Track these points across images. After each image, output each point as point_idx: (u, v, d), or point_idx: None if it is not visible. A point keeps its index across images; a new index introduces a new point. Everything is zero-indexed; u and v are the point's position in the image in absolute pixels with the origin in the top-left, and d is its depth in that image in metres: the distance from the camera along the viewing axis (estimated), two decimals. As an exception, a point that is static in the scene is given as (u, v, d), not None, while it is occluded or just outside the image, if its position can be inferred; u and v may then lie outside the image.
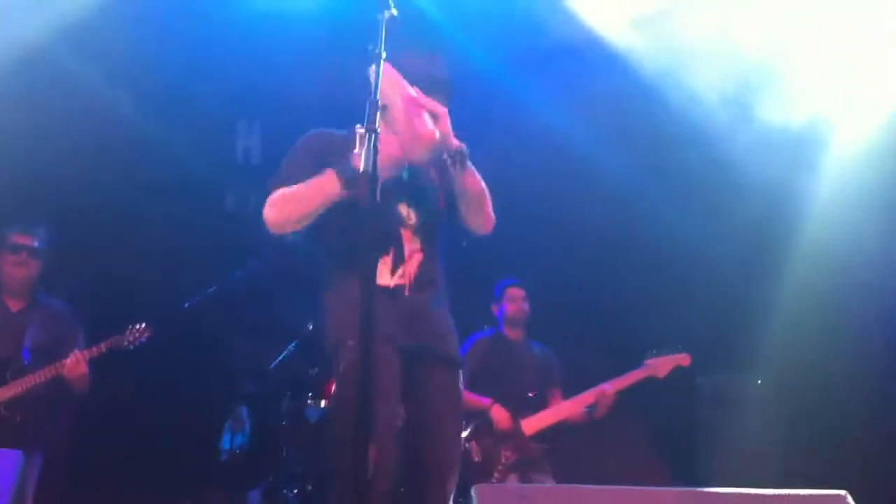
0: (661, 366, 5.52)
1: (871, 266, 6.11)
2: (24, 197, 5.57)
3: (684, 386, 6.71)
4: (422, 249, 3.55)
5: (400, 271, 3.52)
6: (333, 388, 3.42)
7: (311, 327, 6.00)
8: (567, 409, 5.51)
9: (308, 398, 5.87)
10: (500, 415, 5.39)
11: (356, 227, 3.38)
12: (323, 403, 5.83)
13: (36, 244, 4.97)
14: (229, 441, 6.04)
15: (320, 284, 3.55)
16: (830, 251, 6.14)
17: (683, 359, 5.57)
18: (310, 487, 5.72)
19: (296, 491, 5.76)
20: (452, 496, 3.50)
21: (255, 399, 6.19)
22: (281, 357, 5.99)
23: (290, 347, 6.06)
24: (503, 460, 5.35)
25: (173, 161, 6.30)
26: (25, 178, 5.64)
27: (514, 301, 5.75)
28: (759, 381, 6.54)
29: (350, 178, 3.21)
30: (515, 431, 5.38)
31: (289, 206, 3.37)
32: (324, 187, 3.31)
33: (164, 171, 6.28)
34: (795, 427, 6.26)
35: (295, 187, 3.36)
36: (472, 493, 3.15)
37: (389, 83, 3.61)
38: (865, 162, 5.99)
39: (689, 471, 6.13)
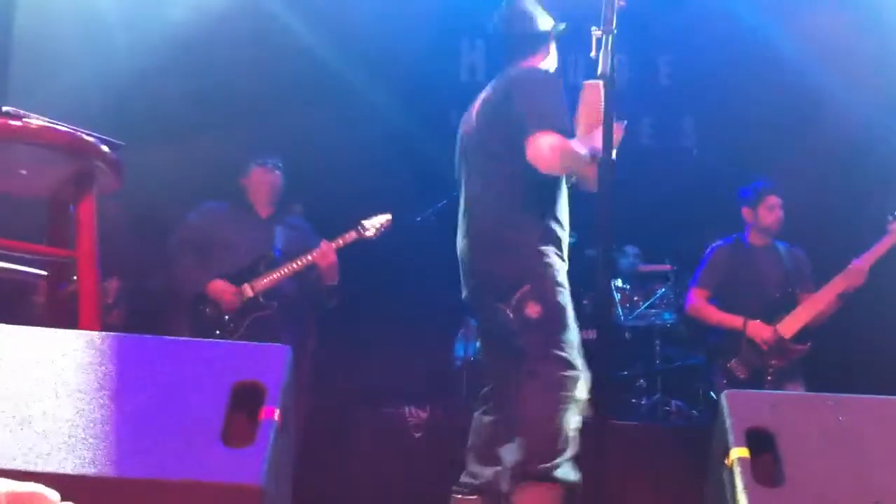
0: None
1: None
2: (258, 131, 5.94)
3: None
4: None
5: None
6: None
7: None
8: (820, 300, 5.21)
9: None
10: (756, 329, 5.20)
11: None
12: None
13: (277, 161, 5.51)
14: (463, 349, 6.20)
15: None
16: None
17: None
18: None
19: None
20: None
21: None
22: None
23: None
24: (771, 370, 5.18)
25: (400, 80, 6.45)
26: (256, 112, 6.02)
27: (773, 210, 5.45)
28: None
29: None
30: (776, 337, 5.18)
31: (568, 161, 3.69)
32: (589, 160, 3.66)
33: (392, 91, 6.44)
34: None
35: (575, 146, 3.66)
36: (722, 399, 3.08)
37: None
38: None
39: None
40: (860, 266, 5.14)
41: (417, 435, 5.26)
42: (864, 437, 2.85)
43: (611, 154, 3.64)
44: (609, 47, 3.56)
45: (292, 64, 6.26)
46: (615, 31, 3.55)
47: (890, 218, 5.15)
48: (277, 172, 5.46)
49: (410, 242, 5.55)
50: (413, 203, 5.98)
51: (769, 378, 5.16)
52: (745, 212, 5.50)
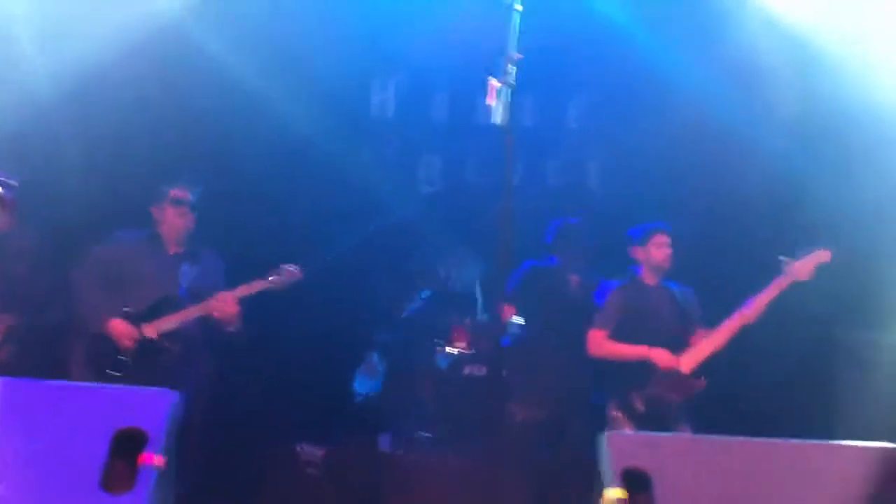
0: (801, 268, 5.29)
1: None
2: (174, 158, 5.93)
3: (822, 339, 6.58)
4: None
5: None
6: None
7: (443, 275, 6.15)
8: (719, 337, 5.35)
9: (438, 345, 6.02)
10: (661, 354, 5.32)
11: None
12: (455, 351, 5.97)
13: (193, 198, 5.38)
14: (363, 385, 6.23)
15: None
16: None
17: (824, 255, 5.31)
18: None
19: (428, 434, 5.92)
20: None
21: (387, 345, 6.35)
22: (413, 305, 6.14)
23: (422, 296, 6.19)
24: (671, 403, 5.30)
25: (312, 118, 6.50)
26: (174, 141, 6.02)
27: (662, 247, 5.56)
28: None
29: None
30: (676, 371, 5.32)
31: None
32: None
33: (304, 129, 6.48)
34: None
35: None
36: (602, 440, 3.18)
37: None
38: None
39: (824, 428, 5.99)
40: (757, 304, 5.31)
41: (311, 472, 5.27)
42: (738, 478, 2.97)
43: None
44: (505, 98, 3.70)
45: (205, 98, 6.24)
46: (513, 84, 3.69)
47: (782, 259, 5.33)
48: (191, 216, 5.36)
49: (312, 278, 5.56)
50: (323, 238, 6.03)
51: (671, 415, 5.29)
52: (636, 251, 5.61)
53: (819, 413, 6.18)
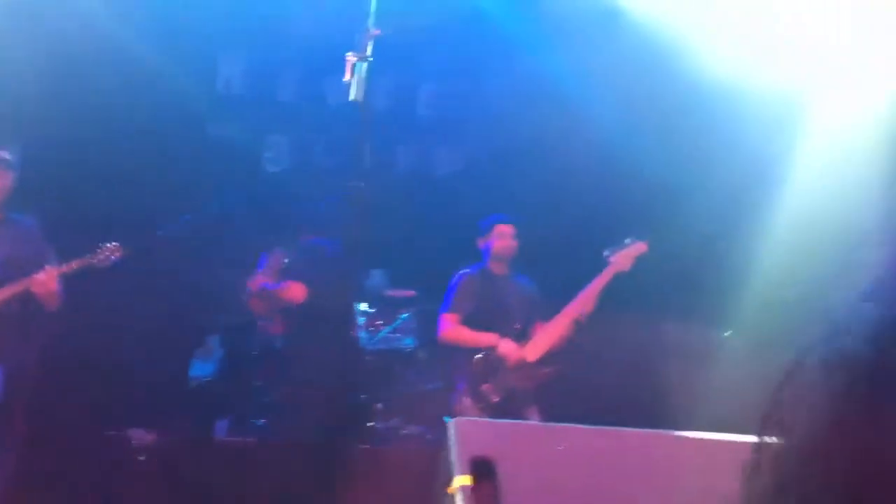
0: (622, 259, 5.64)
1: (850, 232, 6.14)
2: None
3: (650, 334, 6.77)
4: None
5: None
6: None
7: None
8: (559, 325, 5.56)
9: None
10: (509, 347, 5.45)
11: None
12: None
13: (9, 157, 4.87)
14: (199, 369, 6.03)
15: None
16: (811, 215, 6.15)
17: (641, 247, 5.68)
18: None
19: (263, 420, 5.79)
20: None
21: (225, 329, 6.17)
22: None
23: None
24: (522, 392, 5.42)
25: (154, 87, 6.21)
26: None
27: (503, 237, 5.70)
28: (726, 335, 6.56)
29: None
30: (524, 361, 5.43)
31: None
32: None
33: (144, 96, 6.18)
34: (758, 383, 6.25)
35: None
36: (449, 427, 3.14)
37: None
38: (850, 135, 6.02)
39: (653, 420, 6.15)
40: (586, 296, 5.58)
41: (141, 458, 5.05)
42: (583, 466, 2.97)
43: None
44: (363, 74, 3.64)
45: (42, 61, 5.84)
46: (370, 58, 3.63)
47: (606, 252, 5.65)
48: (9, 176, 4.83)
49: (148, 258, 5.29)
50: (163, 215, 5.78)
51: (518, 402, 5.39)
52: (480, 242, 5.76)
53: (654, 403, 6.35)
